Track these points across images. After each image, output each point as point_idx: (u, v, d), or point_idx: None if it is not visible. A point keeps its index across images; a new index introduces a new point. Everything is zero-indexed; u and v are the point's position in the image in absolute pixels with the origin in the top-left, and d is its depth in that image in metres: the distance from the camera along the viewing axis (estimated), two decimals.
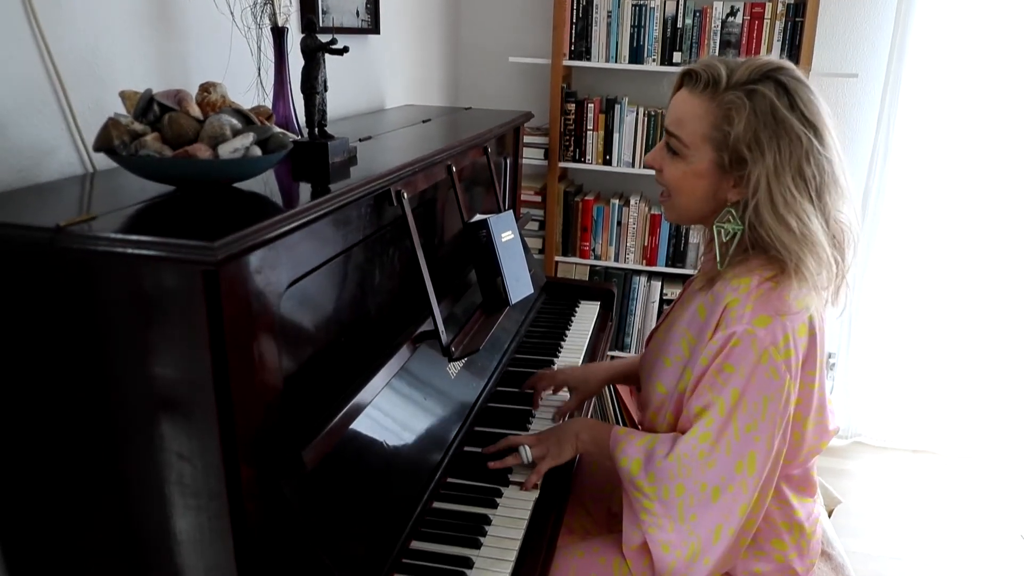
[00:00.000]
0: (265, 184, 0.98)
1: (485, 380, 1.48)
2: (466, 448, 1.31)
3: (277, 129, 0.90)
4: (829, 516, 1.51)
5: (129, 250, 0.71)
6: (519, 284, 1.45)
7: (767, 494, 1.04)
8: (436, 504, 1.15)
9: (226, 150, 0.82)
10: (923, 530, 2.36)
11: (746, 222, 1.03)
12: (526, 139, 2.60)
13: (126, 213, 0.80)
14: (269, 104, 1.26)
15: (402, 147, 1.36)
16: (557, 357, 1.71)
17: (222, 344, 0.74)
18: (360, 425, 1.02)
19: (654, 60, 2.45)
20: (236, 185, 0.93)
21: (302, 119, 1.19)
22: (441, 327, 1.18)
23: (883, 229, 2.58)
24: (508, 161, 1.98)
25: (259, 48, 1.21)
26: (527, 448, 1.21)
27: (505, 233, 1.44)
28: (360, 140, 1.37)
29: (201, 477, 0.79)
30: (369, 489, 1.02)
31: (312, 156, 1.10)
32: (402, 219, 1.13)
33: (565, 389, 1.52)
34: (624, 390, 2.61)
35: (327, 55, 1.12)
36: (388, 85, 2.11)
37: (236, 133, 0.84)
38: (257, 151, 0.85)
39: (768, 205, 1.00)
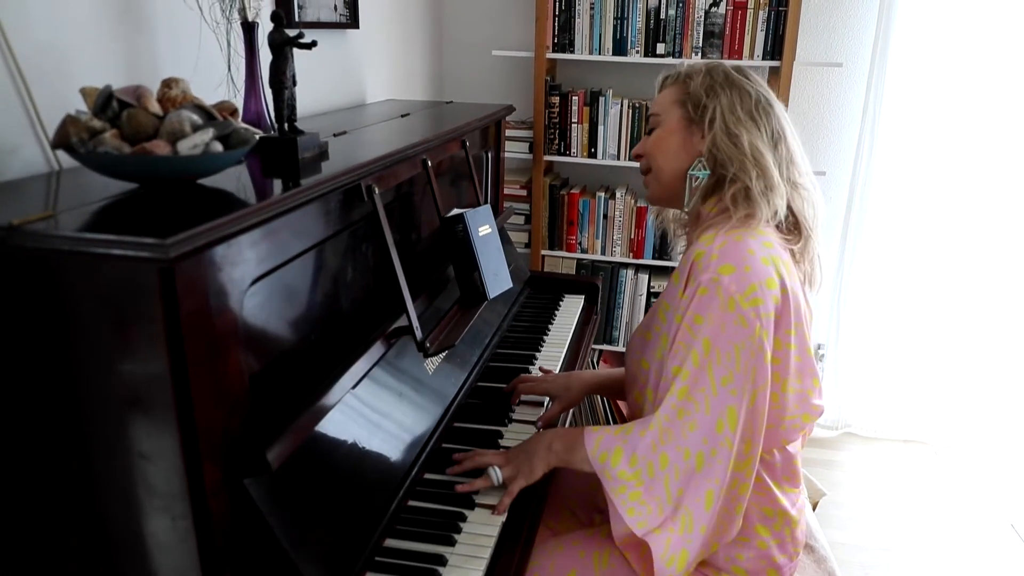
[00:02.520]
0: (232, 180, 0.97)
1: (465, 375, 1.48)
2: (444, 445, 1.30)
3: (240, 124, 0.89)
4: (814, 509, 1.51)
5: (82, 248, 0.70)
6: (497, 279, 1.44)
7: (756, 455, 1.05)
8: (411, 502, 1.15)
9: (185, 146, 0.81)
10: (913, 520, 2.37)
11: (712, 162, 1.13)
12: (510, 133, 2.59)
13: (84, 211, 0.79)
14: (240, 100, 1.25)
15: (377, 142, 1.35)
16: (539, 351, 1.70)
17: (180, 343, 0.73)
18: (333, 421, 1.01)
19: (638, 52, 2.44)
20: (201, 181, 0.92)
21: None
22: (415, 322, 1.17)
23: (870, 218, 2.58)
24: (490, 155, 1.97)
25: (229, 43, 1.20)
26: (496, 469, 1.15)
27: (483, 227, 1.43)
28: (335, 135, 1.36)
29: (164, 478, 0.78)
30: (342, 486, 1.01)
31: (281, 152, 1.09)
32: (374, 214, 1.12)
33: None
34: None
35: (297, 49, 1.10)
36: (368, 80, 2.10)
37: (196, 129, 0.83)
38: (218, 147, 0.84)
39: (722, 128, 1.12)
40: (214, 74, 1.23)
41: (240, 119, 1.25)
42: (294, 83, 1.11)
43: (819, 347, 2.77)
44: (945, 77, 2.44)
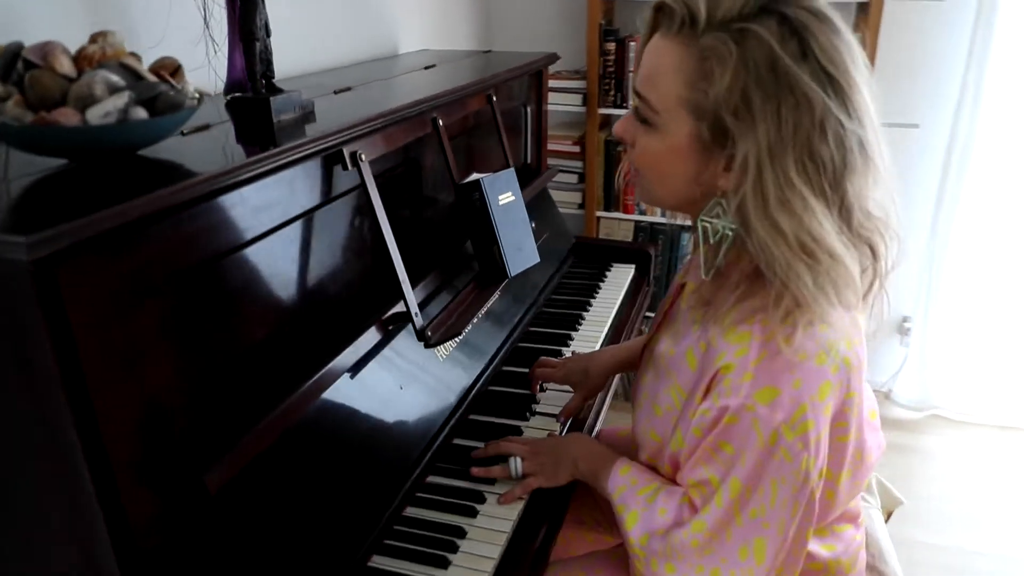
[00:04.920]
0: (189, 149, 0.84)
1: (488, 359, 1.33)
2: (455, 441, 1.16)
3: (177, 85, 0.75)
4: (886, 520, 1.30)
5: None
6: (521, 253, 1.28)
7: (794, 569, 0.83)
8: (410, 510, 1.02)
9: (95, 114, 0.67)
10: (1008, 519, 2.10)
11: (739, 218, 0.77)
12: (562, 84, 2.38)
13: None
14: (224, 58, 1.11)
15: (381, 99, 1.19)
16: (576, 330, 1.53)
17: (75, 364, 0.60)
18: (317, 416, 0.89)
19: None
20: (145, 152, 0.79)
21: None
22: (413, 308, 1.03)
23: (971, 179, 2.25)
24: (530, 109, 1.78)
25: None
26: (518, 460, 1.04)
27: (504, 195, 1.26)
28: (335, 92, 1.21)
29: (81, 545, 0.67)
30: (325, 496, 0.89)
31: (253, 114, 0.95)
32: (367, 184, 0.97)
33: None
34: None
35: None
36: (402, 28, 1.92)
37: (116, 92, 0.69)
38: (141, 113, 0.70)
39: (756, 198, 0.73)
40: (191, 29, 1.09)
41: (227, 77, 1.12)
42: (267, 33, 0.96)
43: (905, 320, 2.49)
44: None
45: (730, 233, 0.78)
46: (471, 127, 1.44)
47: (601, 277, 1.79)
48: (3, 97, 0.69)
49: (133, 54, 0.77)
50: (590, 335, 1.52)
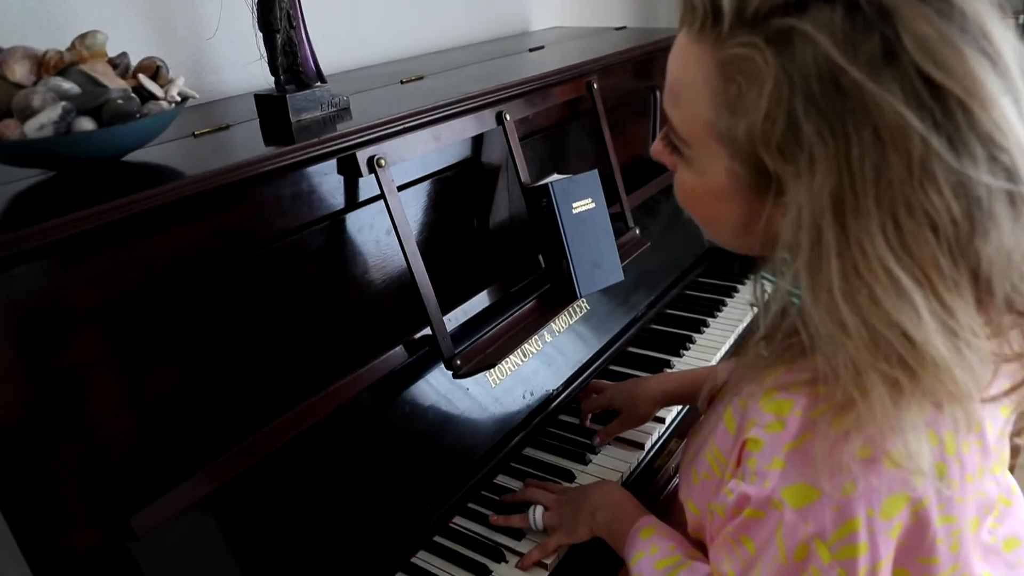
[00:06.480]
0: (177, 153, 0.79)
1: (562, 383, 1.18)
2: (498, 479, 1.04)
3: (126, 92, 0.68)
4: None
5: None
6: (598, 270, 1.11)
7: None
8: (421, 555, 0.92)
9: (31, 127, 0.63)
10: None
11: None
12: None
13: None
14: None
15: (441, 91, 1.07)
16: (680, 356, 1.32)
17: None
18: (331, 439, 0.83)
19: None
20: (130, 158, 0.75)
21: (318, 63, 0.96)
22: (442, 332, 0.92)
23: None
24: (659, 94, 1.57)
25: None
26: (538, 510, 0.91)
27: (580, 201, 1.10)
28: (402, 82, 1.11)
29: None
30: (323, 530, 0.82)
31: (272, 112, 0.88)
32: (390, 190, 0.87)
33: None
34: None
35: None
36: (537, 4, 1.78)
37: (55, 102, 0.64)
38: (86, 124, 0.65)
39: (812, 274, 0.51)
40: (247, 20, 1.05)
41: None
42: (291, 24, 0.88)
43: None
44: None
45: (795, 301, 0.54)
46: (568, 117, 1.28)
47: (731, 292, 1.54)
48: None
49: (113, 58, 0.72)
50: (695, 363, 1.31)
